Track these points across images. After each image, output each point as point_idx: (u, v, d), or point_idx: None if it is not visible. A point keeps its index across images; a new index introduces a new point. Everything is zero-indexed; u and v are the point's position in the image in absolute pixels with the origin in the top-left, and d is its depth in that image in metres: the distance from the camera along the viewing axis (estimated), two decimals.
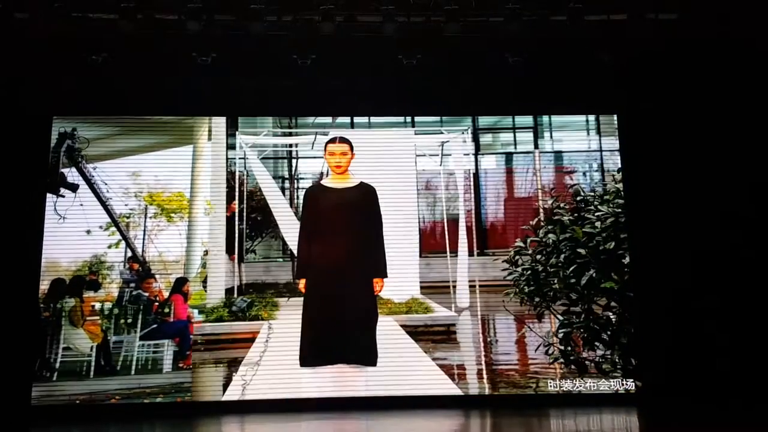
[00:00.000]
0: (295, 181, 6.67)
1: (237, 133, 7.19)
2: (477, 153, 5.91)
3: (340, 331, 5.09)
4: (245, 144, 6.45)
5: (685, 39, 5.11)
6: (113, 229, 5.83)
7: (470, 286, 5.57)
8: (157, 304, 5.52)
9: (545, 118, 5.95)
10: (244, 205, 7.06)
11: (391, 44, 5.14)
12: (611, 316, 5.21)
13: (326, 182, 5.43)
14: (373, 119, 5.92)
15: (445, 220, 5.84)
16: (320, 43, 5.14)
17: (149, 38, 5.05)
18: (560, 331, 5.26)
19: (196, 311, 5.59)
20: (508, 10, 4.90)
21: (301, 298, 5.35)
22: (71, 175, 5.66)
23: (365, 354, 5.13)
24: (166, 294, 5.58)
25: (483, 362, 5.41)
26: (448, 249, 5.79)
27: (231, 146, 6.37)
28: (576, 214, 5.36)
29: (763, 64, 5.04)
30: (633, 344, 5.12)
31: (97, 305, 5.46)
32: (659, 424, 4.59)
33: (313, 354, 5.09)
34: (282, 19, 5.00)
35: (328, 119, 6.06)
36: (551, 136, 6.04)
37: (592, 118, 5.86)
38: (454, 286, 5.65)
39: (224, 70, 5.24)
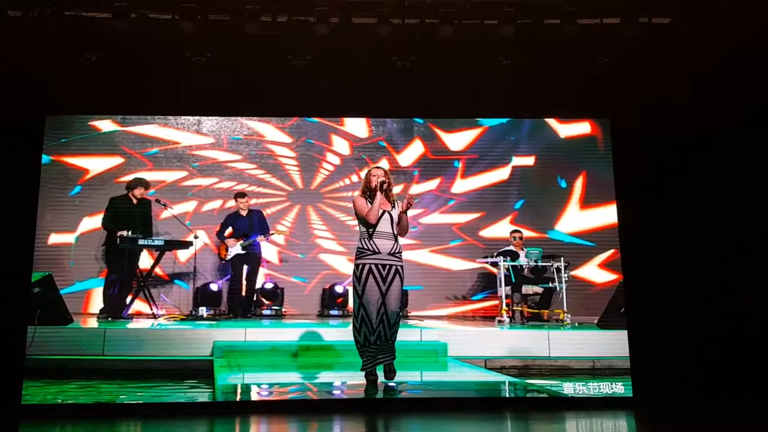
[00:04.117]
0: None
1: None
2: None
3: None
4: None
5: (679, 42, 5.13)
6: None
7: None
8: None
9: None
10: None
11: (385, 46, 5.15)
12: None
13: None
14: None
15: None
16: (315, 45, 5.13)
17: (143, 38, 5.04)
18: None
19: None
20: (502, 13, 4.92)
21: None
22: None
23: None
24: None
25: None
26: None
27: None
28: None
29: (760, 65, 5.03)
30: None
31: None
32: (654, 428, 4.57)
33: None
34: (277, 20, 5.00)
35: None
36: None
37: None
38: None
39: (219, 70, 5.22)
